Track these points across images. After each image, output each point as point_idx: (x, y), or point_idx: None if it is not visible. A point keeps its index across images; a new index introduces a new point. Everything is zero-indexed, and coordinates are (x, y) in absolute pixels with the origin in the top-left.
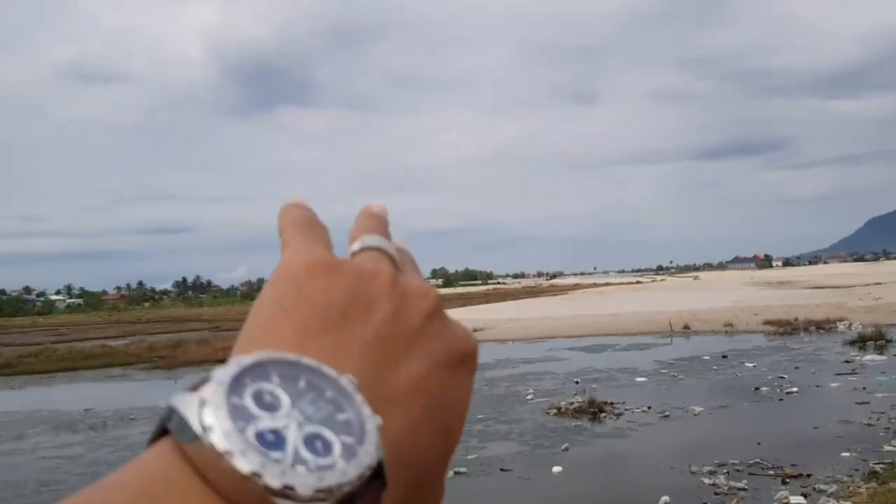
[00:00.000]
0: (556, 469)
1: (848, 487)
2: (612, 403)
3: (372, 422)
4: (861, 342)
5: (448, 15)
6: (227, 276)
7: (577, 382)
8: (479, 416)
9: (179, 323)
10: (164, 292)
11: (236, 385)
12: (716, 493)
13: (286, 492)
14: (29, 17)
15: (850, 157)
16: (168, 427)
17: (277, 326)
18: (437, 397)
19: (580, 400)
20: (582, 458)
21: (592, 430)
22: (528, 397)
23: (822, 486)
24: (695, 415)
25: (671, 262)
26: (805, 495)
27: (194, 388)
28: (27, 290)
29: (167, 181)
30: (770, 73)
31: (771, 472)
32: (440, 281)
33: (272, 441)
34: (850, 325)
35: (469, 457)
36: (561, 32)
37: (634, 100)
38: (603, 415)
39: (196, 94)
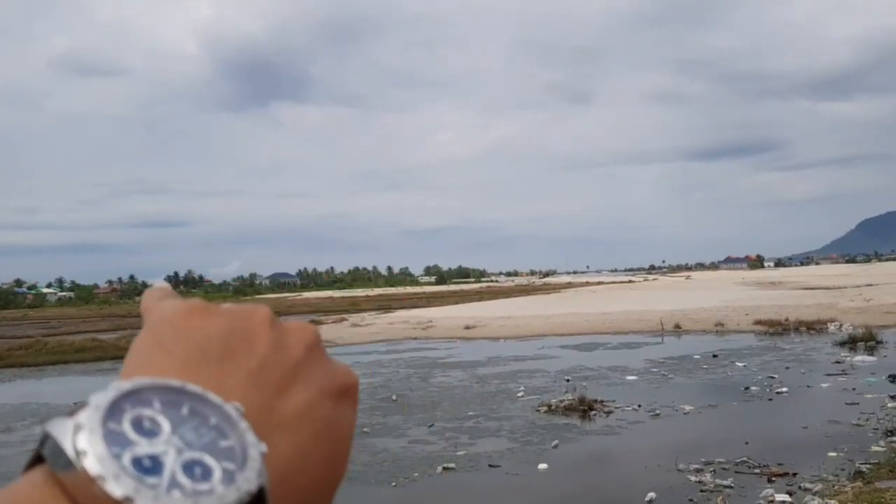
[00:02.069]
0: (542, 466)
1: (833, 486)
2: (602, 401)
3: (256, 448)
4: (851, 343)
5: (444, 14)
6: (220, 271)
7: (567, 380)
8: (470, 413)
9: None
10: None
11: (114, 410)
12: (702, 491)
13: None
14: (23, 10)
15: (843, 159)
16: (43, 454)
17: (157, 361)
18: (324, 425)
19: (570, 398)
20: (571, 455)
21: (582, 428)
22: (519, 395)
23: (808, 485)
24: (684, 413)
25: (663, 261)
26: (790, 493)
27: (71, 413)
28: (18, 282)
29: (160, 175)
30: (763, 76)
31: (757, 471)
32: (433, 278)
33: (149, 467)
34: (841, 325)
35: (458, 453)
36: (557, 32)
37: (628, 100)
38: (593, 413)
39: (190, 89)
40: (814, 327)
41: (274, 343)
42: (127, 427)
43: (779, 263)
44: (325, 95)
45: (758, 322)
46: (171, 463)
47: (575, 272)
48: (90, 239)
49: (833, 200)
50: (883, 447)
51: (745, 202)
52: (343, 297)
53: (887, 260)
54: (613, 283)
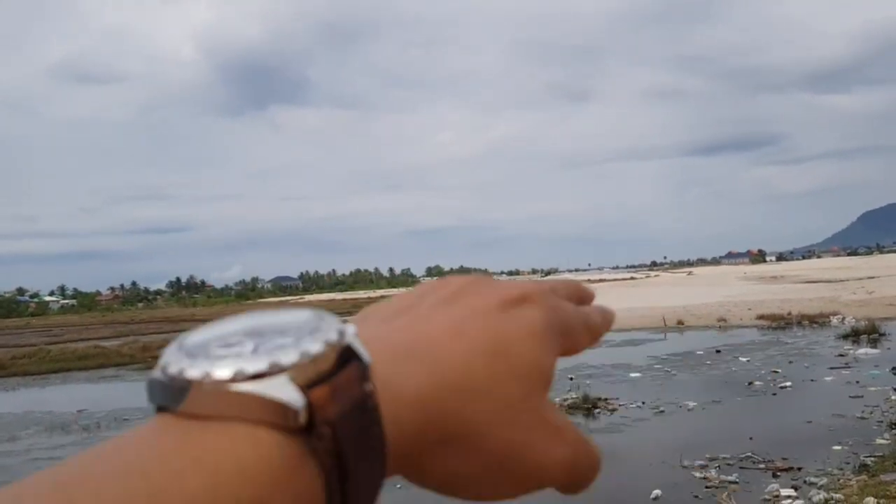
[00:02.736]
0: None
1: (838, 480)
2: (606, 399)
3: (333, 319)
4: (854, 336)
5: (442, 14)
6: (221, 275)
7: (571, 379)
8: None
9: (173, 323)
10: (158, 292)
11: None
12: (707, 487)
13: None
14: (21, 17)
15: (843, 151)
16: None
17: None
18: (482, 331)
19: (574, 396)
20: None
21: (587, 426)
22: None
23: (813, 479)
24: (688, 410)
25: (665, 257)
26: (795, 488)
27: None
28: (20, 291)
29: (160, 181)
30: (761, 70)
31: (762, 466)
32: (435, 279)
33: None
34: (844, 318)
35: None
36: (556, 32)
37: (627, 97)
38: (597, 411)
39: (189, 93)
40: (816, 321)
41: (441, 292)
42: (212, 346)
43: (780, 257)
44: (324, 97)
45: (760, 316)
46: (249, 346)
47: (576, 270)
48: (91, 246)
49: (834, 193)
50: (887, 440)
51: (746, 196)
52: (345, 300)
53: (889, 252)
54: (615, 280)
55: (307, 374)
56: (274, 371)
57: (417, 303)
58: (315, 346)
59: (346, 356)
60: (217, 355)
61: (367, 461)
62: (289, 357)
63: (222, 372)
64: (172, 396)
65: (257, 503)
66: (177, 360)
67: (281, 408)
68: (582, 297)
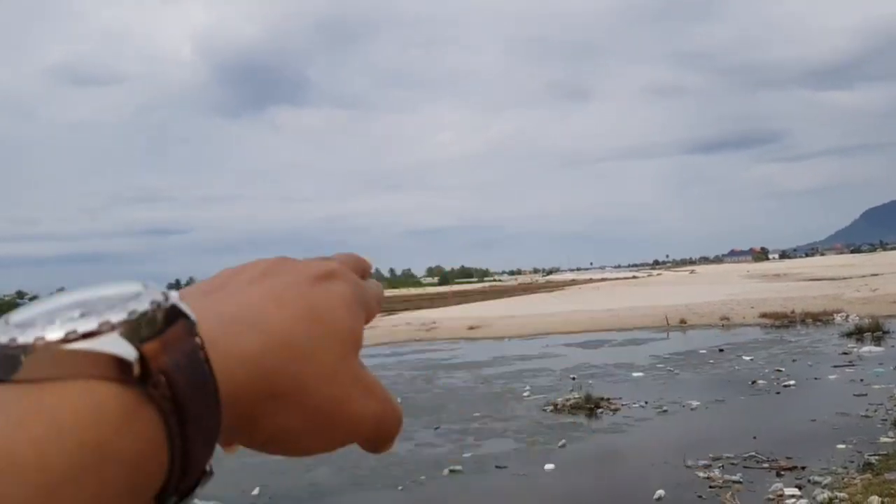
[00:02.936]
0: (549, 466)
1: (842, 479)
2: (608, 399)
3: (158, 286)
4: (858, 333)
5: (442, 14)
6: None
7: (573, 378)
8: (476, 414)
9: None
10: None
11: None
12: (710, 487)
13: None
14: (21, 18)
15: (845, 148)
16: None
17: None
18: (300, 301)
19: (576, 396)
20: (578, 454)
21: (589, 427)
22: (525, 394)
23: (817, 478)
24: (691, 409)
25: (667, 256)
26: (799, 487)
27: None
28: (20, 294)
29: (160, 182)
30: (762, 67)
31: (766, 465)
32: (436, 279)
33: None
34: (848, 316)
35: (465, 455)
36: (555, 30)
37: (628, 95)
38: (600, 410)
39: (188, 94)
40: (820, 319)
41: (252, 271)
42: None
43: (783, 255)
44: (323, 97)
45: (763, 315)
46: (77, 313)
47: (578, 269)
48: (91, 248)
49: (836, 190)
50: (892, 438)
51: (749, 194)
52: None
53: (893, 249)
54: (617, 279)
55: (137, 330)
56: (105, 329)
57: (230, 281)
58: (142, 306)
59: (173, 315)
60: (47, 324)
61: (203, 406)
62: (118, 316)
63: (54, 334)
64: (5, 366)
65: (100, 444)
66: (6, 332)
67: (115, 361)
68: (363, 269)
